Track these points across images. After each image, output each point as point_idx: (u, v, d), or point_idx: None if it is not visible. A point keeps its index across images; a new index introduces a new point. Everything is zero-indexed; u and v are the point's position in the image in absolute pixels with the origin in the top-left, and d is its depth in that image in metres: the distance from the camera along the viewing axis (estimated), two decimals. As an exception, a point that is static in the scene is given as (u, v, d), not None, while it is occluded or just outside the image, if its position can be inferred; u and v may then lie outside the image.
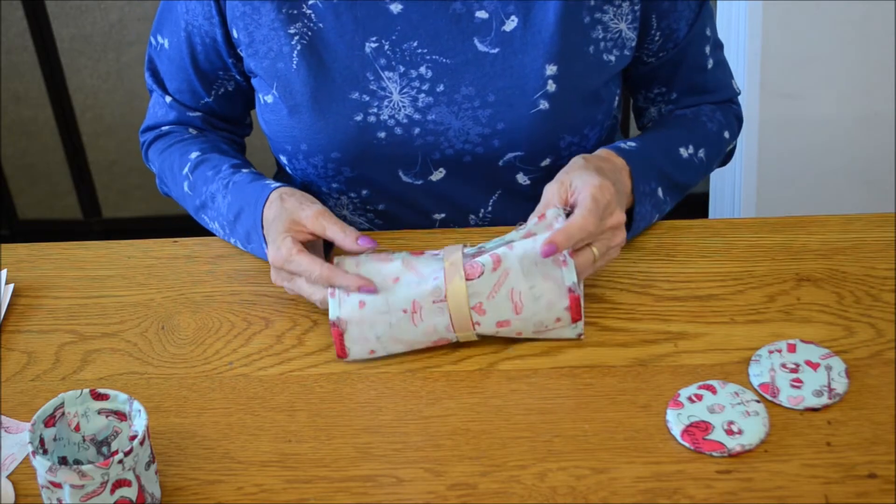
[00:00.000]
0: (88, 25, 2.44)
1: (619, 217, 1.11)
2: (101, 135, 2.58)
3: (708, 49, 1.31)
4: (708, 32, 1.30)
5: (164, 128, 1.35)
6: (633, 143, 1.22)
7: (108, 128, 2.57)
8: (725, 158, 1.37)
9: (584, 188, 1.10)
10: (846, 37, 2.03)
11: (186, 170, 1.28)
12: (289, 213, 1.13)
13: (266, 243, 1.15)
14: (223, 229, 1.24)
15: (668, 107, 1.34)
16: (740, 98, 1.39)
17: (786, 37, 2.03)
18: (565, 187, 1.12)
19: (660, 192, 1.22)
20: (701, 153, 1.28)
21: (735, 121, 1.36)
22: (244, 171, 1.24)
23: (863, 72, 2.06)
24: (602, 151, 1.20)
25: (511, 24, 1.20)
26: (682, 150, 1.26)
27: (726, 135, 1.32)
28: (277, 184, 1.19)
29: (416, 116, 1.23)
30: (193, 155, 1.28)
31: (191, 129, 1.35)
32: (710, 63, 1.31)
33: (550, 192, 1.12)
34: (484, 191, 1.29)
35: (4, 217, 2.70)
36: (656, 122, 1.34)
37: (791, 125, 2.10)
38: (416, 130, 1.23)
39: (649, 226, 1.24)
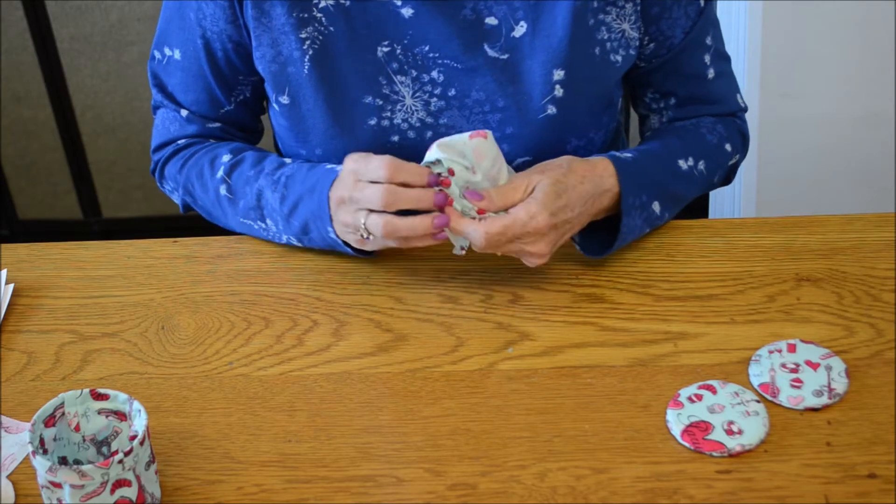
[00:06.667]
0: (88, 25, 2.44)
1: (541, 248, 1.12)
2: (101, 135, 2.58)
3: (707, 58, 1.29)
4: (708, 41, 1.28)
5: (181, 141, 1.31)
6: (629, 155, 1.20)
7: (108, 128, 2.57)
8: (728, 174, 1.34)
9: (523, 204, 1.11)
10: (846, 37, 2.03)
11: (221, 173, 1.25)
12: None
13: (332, 223, 1.15)
14: (276, 225, 1.22)
15: (668, 113, 1.33)
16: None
17: (786, 37, 2.03)
18: (528, 190, 1.12)
19: (656, 205, 1.21)
20: (701, 165, 1.26)
21: (738, 135, 1.33)
22: (292, 163, 1.22)
23: (863, 72, 2.06)
24: (599, 163, 1.17)
25: (520, 30, 1.20)
26: (682, 162, 1.24)
27: (727, 147, 1.30)
28: (341, 166, 1.18)
29: (429, 120, 1.22)
30: (226, 157, 1.26)
31: (211, 140, 1.32)
32: (711, 73, 1.29)
33: (518, 181, 1.12)
34: None
35: (4, 217, 2.70)
36: (655, 133, 1.32)
37: (791, 125, 2.10)
38: (429, 134, 1.23)
39: (637, 238, 1.23)
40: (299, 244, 1.23)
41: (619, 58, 1.23)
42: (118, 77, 2.50)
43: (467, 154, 1.11)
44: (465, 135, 1.11)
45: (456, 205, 1.11)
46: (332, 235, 1.17)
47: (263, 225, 1.23)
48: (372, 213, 1.10)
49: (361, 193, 1.10)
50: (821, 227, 1.25)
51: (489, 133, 1.12)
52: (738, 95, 1.34)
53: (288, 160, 1.25)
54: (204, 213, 1.31)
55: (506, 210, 1.11)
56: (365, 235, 1.12)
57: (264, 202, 1.22)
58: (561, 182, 1.13)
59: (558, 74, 1.21)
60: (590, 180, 1.15)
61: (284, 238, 1.23)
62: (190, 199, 1.30)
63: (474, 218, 1.11)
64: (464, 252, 1.13)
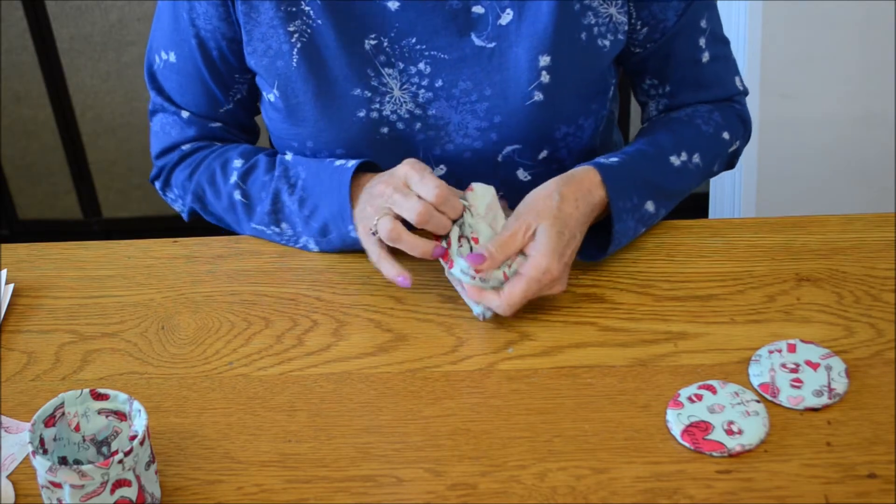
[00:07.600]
0: (88, 25, 2.44)
1: (560, 287, 1.13)
2: (101, 135, 2.58)
3: (703, 41, 1.28)
4: (703, 24, 1.28)
5: (185, 146, 1.31)
6: (615, 159, 1.19)
7: (108, 128, 2.57)
8: (730, 161, 1.34)
9: (532, 259, 1.10)
10: (846, 37, 2.03)
11: (235, 178, 1.26)
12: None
13: (353, 221, 1.16)
14: (292, 228, 1.23)
15: (663, 101, 1.32)
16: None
17: (786, 37, 2.03)
18: (528, 234, 1.11)
19: (649, 205, 1.20)
20: (696, 158, 1.25)
21: (738, 120, 1.32)
22: (305, 163, 1.23)
23: (863, 72, 2.06)
24: (585, 177, 1.16)
25: (507, 17, 1.21)
26: (674, 158, 1.24)
27: (725, 136, 1.30)
28: (354, 161, 1.19)
29: (418, 112, 1.23)
30: (237, 162, 1.27)
31: (216, 143, 1.32)
32: (706, 56, 1.29)
33: (515, 226, 1.12)
34: None
35: (4, 217, 2.70)
36: (648, 128, 1.31)
37: (791, 125, 2.10)
38: (418, 125, 1.23)
39: (633, 239, 1.22)
40: (316, 248, 1.23)
41: (606, 43, 1.24)
42: (118, 77, 2.50)
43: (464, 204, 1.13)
44: (458, 193, 1.13)
45: (455, 268, 1.11)
46: (353, 235, 1.17)
47: (278, 230, 1.24)
48: (386, 216, 1.11)
49: (403, 199, 1.10)
50: (821, 227, 1.25)
51: (474, 184, 1.13)
52: (737, 78, 1.34)
53: (293, 157, 1.25)
54: (213, 220, 1.31)
55: (507, 259, 1.11)
56: (373, 231, 1.13)
57: (281, 205, 1.23)
58: (559, 218, 1.12)
59: (544, 60, 1.21)
60: (582, 200, 1.14)
61: (302, 241, 1.23)
62: (199, 205, 1.30)
63: (474, 277, 1.11)
64: (487, 315, 1.14)
